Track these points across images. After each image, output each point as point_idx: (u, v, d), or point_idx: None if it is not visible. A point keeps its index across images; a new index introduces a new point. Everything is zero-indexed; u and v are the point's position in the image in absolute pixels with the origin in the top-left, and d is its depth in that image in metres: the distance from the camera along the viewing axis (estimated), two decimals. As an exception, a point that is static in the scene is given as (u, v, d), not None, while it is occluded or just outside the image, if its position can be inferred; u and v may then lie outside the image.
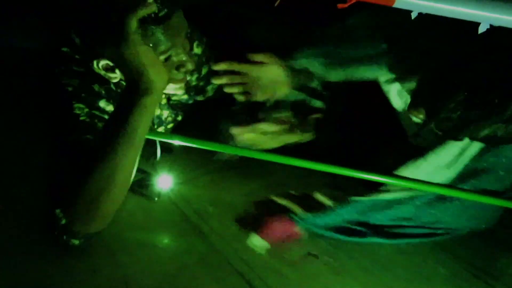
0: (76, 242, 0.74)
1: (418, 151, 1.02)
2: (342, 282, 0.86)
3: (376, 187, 0.99)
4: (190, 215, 0.97)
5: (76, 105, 0.81)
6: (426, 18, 0.59)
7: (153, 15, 0.70)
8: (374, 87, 1.03)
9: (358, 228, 0.94)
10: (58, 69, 0.83)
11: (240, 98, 1.02)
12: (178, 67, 0.81)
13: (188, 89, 1.02)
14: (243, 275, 0.83)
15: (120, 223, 0.87)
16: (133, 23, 0.65)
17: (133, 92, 0.68)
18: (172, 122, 1.07)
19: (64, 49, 0.85)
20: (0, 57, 1.50)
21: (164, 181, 1.02)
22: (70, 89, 0.82)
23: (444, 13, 0.57)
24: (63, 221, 0.71)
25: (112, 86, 0.88)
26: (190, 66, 0.82)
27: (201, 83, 1.07)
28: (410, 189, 0.94)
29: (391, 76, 1.01)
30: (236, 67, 0.98)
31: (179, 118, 1.08)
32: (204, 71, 1.06)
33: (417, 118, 0.92)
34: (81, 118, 0.80)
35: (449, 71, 0.86)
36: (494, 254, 1.01)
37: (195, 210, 0.98)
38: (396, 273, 0.90)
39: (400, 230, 0.95)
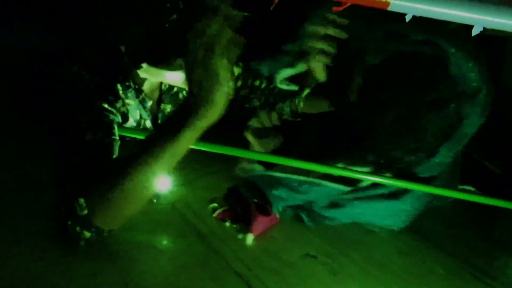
0: (88, 235, 0.73)
1: None
2: (340, 282, 0.86)
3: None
4: (189, 216, 0.97)
5: (97, 102, 0.81)
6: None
7: None
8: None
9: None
10: (76, 67, 0.82)
11: None
12: None
13: None
14: (242, 276, 0.83)
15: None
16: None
17: (192, 109, 0.65)
18: None
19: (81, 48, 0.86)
20: (1, 57, 1.51)
21: (163, 183, 1.03)
22: (92, 86, 0.81)
23: (438, 16, 0.57)
24: (84, 212, 0.70)
25: (129, 83, 0.88)
26: None
27: None
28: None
29: None
30: None
31: None
32: None
33: None
34: (101, 114, 0.80)
35: None
36: (492, 254, 1.01)
37: (194, 212, 0.99)
38: (394, 272, 0.91)
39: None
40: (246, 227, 0.96)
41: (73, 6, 0.81)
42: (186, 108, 0.66)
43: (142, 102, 0.93)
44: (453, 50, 0.97)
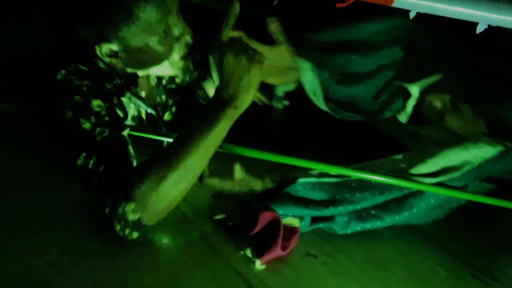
0: (136, 235, 0.75)
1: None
2: (341, 283, 0.86)
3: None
4: (189, 215, 0.97)
5: (95, 102, 0.80)
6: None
7: None
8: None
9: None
10: (66, 70, 0.83)
11: None
12: (179, 38, 0.82)
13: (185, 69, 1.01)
14: (242, 275, 0.83)
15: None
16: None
17: (212, 102, 0.74)
18: (174, 105, 1.08)
19: (70, 50, 0.85)
20: (1, 57, 1.51)
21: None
22: (85, 89, 0.81)
23: (442, 13, 0.57)
24: (136, 216, 0.71)
25: (118, 81, 0.88)
26: (188, 36, 0.82)
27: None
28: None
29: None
30: (246, 39, 0.85)
31: (178, 99, 1.09)
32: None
33: (436, 104, 0.91)
34: (103, 113, 0.80)
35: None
36: (493, 254, 1.01)
37: (194, 211, 0.98)
38: (395, 273, 0.90)
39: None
40: (258, 250, 0.88)
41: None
42: (222, 102, 0.73)
43: (136, 95, 0.93)
44: None
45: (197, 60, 1.08)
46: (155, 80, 1.02)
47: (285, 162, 0.95)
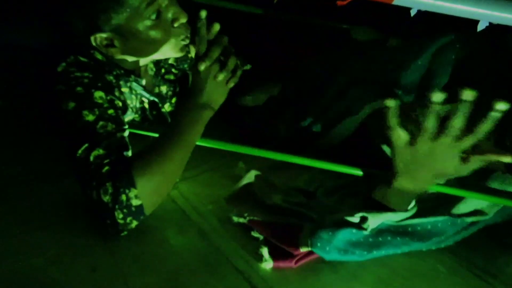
0: (135, 224, 0.76)
1: None
2: (341, 280, 0.86)
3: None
4: (190, 213, 0.97)
5: (97, 93, 0.81)
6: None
7: None
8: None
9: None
10: (66, 62, 0.83)
11: None
12: (173, 21, 0.82)
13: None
14: (243, 273, 0.83)
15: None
16: None
17: (194, 105, 0.81)
18: (174, 96, 1.08)
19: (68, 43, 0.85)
20: (1, 55, 1.51)
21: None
22: (86, 80, 0.82)
23: (443, 11, 0.57)
24: (138, 203, 0.74)
25: (118, 71, 0.88)
26: (183, 18, 0.82)
27: None
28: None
29: None
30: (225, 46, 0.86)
31: (178, 89, 1.09)
32: None
33: None
34: (105, 106, 0.80)
35: None
36: (493, 252, 1.01)
37: (194, 208, 0.98)
38: (396, 271, 0.90)
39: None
40: (271, 252, 0.87)
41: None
42: (201, 105, 0.81)
43: (138, 83, 0.93)
44: None
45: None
46: (154, 70, 1.02)
47: (284, 160, 0.95)
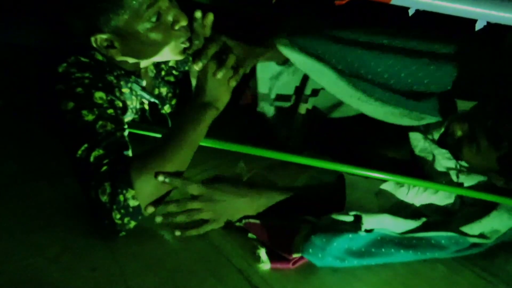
0: (133, 224, 0.78)
1: None
2: (341, 279, 0.86)
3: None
4: (189, 212, 0.97)
5: (97, 94, 0.81)
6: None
7: None
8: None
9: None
10: (67, 63, 0.83)
11: None
12: (173, 24, 0.82)
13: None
14: (242, 272, 0.83)
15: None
16: None
17: (196, 104, 0.82)
18: (174, 97, 1.08)
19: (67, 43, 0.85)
20: (1, 54, 1.51)
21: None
22: (86, 81, 0.82)
23: (441, 10, 0.57)
24: (136, 203, 0.74)
25: (118, 72, 0.88)
26: (183, 20, 0.82)
27: None
28: None
29: None
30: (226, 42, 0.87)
31: (178, 91, 1.09)
32: None
33: (457, 133, 0.95)
34: (105, 106, 0.80)
35: None
36: (493, 250, 1.01)
37: (194, 208, 0.98)
38: (395, 269, 0.91)
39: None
40: (268, 253, 0.87)
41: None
42: (204, 105, 0.82)
43: (138, 84, 0.93)
44: None
45: None
46: (154, 71, 1.02)
47: (284, 159, 0.95)
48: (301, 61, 0.95)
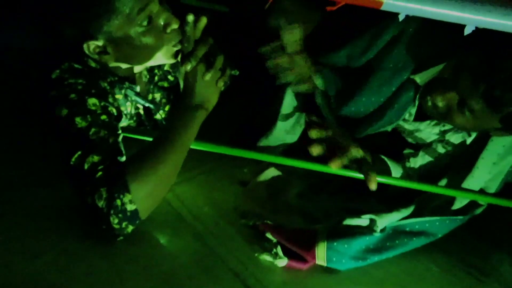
0: (131, 229, 0.77)
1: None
2: (335, 281, 0.87)
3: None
4: (185, 215, 0.97)
5: (90, 100, 0.81)
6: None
7: None
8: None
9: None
10: (61, 69, 0.83)
11: None
12: (165, 27, 0.83)
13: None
14: (238, 275, 0.84)
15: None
16: None
17: (186, 106, 0.82)
18: (168, 103, 1.08)
19: (61, 49, 0.86)
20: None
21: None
22: (80, 87, 0.82)
23: (431, 16, 0.58)
24: (133, 207, 0.74)
25: (112, 78, 0.89)
26: (175, 24, 0.83)
27: None
28: None
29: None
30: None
31: (172, 97, 1.10)
32: None
33: (440, 104, 0.89)
34: (98, 112, 0.81)
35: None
36: (486, 250, 1.02)
37: (189, 210, 0.99)
38: (389, 270, 0.92)
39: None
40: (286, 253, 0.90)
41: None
42: (194, 107, 0.82)
43: (132, 90, 0.94)
44: None
45: None
46: (147, 77, 1.03)
47: (281, 163, 0.96)
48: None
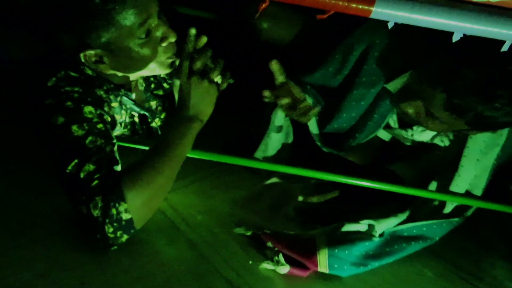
0: (126, 238, 0.76)
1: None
2: (330, 287, 0.87)
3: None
4: (179, 223, 0.97)
5: (86, 108, 0.81)
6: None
7: None
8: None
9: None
10: (57, 77, 0.83)
11: None
12: (162, 40, 0.83)
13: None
14: (232, 283, 0.83)
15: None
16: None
17: (181, 118, 0.84)
18: (163, 111, 1.09)
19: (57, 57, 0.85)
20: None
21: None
22: (76, 95, 0.82)
23: (419, 23, 0.59)
24: (128, 217, 0.74)
25: (108, 86, 0.89)
26: (172, 37, 0.83)
27: None
28: None
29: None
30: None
31: (167, 105, 1.10)
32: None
33: (409, 111, 0.91)
34: (94, 120, 0.80)
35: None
36: (478, 255, 1.03)
37: (183, 219, 0.99)
38: (383, 276, 0.92)
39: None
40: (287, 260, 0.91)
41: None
42: (190, 118, 0.84)
43: (128, 97, 0.94)
44: None
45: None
46: (143, 85, 1.03)
47: (277, 170, 0.96)
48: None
